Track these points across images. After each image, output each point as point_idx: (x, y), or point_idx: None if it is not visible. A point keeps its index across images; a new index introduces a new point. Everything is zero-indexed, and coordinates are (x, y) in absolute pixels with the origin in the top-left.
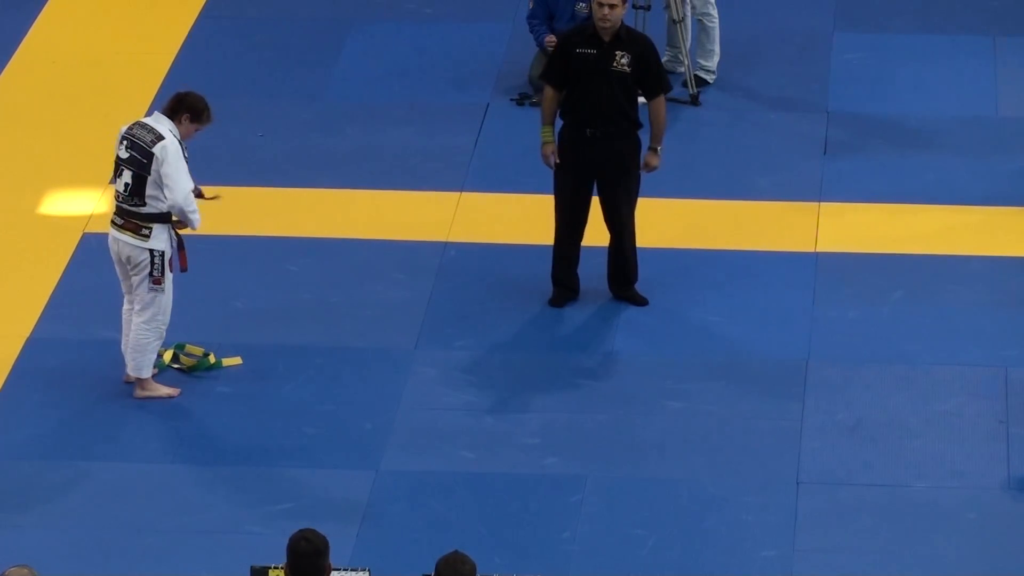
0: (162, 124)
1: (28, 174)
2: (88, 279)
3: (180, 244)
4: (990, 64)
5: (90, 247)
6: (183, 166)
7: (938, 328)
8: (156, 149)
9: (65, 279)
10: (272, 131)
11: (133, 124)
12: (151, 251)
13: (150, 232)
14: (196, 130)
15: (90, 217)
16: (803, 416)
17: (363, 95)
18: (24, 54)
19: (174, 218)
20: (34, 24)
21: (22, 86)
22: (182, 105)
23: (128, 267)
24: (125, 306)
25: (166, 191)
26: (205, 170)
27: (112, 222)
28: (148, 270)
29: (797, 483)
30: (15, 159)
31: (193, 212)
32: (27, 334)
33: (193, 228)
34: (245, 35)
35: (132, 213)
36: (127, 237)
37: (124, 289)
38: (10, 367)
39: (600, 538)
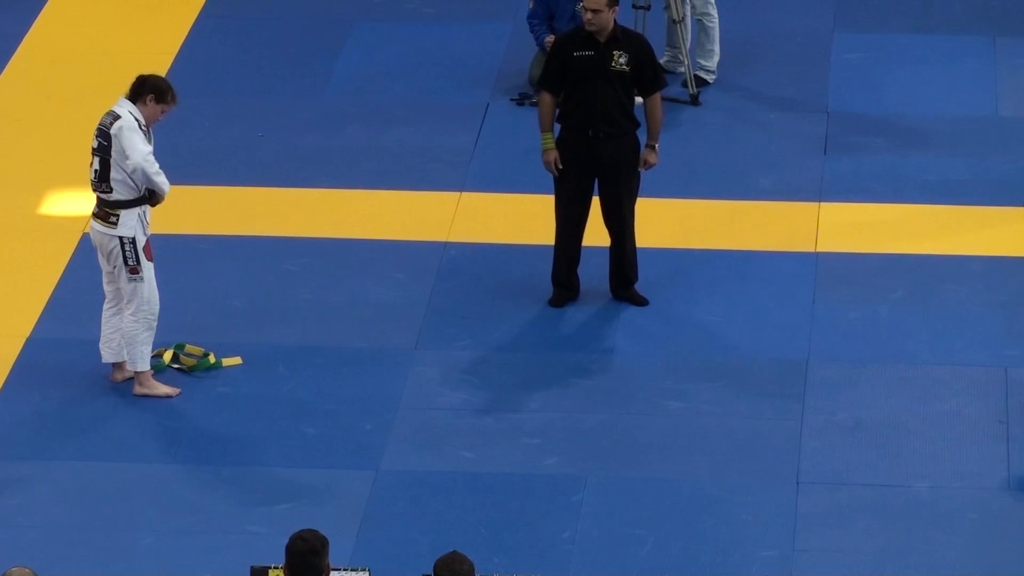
0: (122, 107)
1: (28, 174)
2: (88, 279)
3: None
4: (990, 64)
5: (90, 247)
6: (139, 137)
7: (938, 328)
8: (113, 129)
9: (65, 279)
10: (272, 131)
11: (104, 114)
12: (120, 238)
13: (117, 219)
14: (163, 112)
15: (90, 217)
16: (803, 416)
17: (363, 95)
18: (24, 54)
19: (144, 190)
20: (34, 24)
21: (22, 86)
22: (145, 87)
23: (106, 257)
24: (105, 304)
25: (125, 162)
26: (205, 170)
27: (92, 212)
28: (122, 259)
29: (797, 483)
30: (15, 159)
31: (157, 174)
32: (27, 334)
33: (162, 194)
34: (245, 35)
35: (102, 201)
36: (98, 225)
37: (105, 280)
38: (10, 367)
39: (600, 538)
